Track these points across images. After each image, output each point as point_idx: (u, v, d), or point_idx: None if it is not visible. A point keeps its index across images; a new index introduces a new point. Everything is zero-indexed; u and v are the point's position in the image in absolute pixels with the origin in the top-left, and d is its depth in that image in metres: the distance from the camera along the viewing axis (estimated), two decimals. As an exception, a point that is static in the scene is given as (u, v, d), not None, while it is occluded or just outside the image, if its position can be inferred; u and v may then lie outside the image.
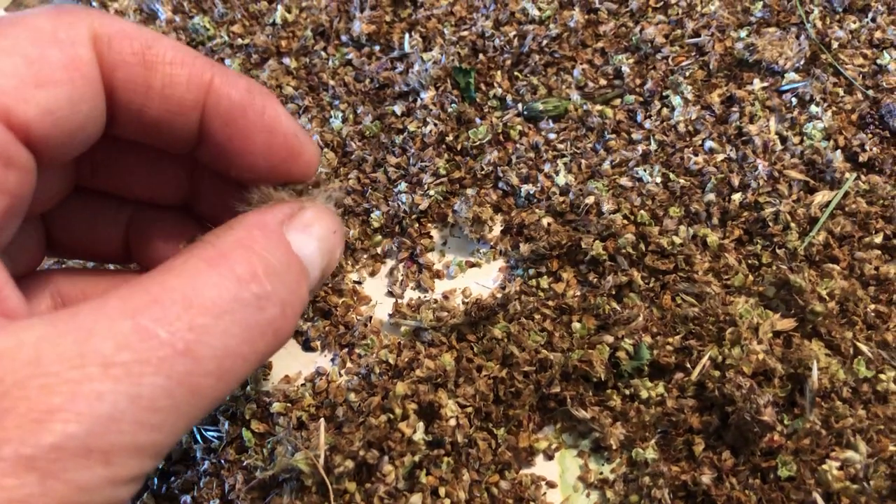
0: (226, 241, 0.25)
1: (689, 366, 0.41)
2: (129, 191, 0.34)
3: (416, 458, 0.39)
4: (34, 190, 0.26)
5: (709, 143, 0.49)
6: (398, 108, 0.52)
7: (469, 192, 0.48)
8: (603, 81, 0.53)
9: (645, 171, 0.48)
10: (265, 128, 0.29)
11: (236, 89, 0.28)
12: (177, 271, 0.24)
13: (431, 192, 0.49)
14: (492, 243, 0.48)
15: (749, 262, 0.45)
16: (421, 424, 0.39)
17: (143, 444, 0.22)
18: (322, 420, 0.40)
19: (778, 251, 0.45)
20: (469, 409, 0.40)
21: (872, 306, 0.43)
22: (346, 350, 0.45)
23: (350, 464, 0.38)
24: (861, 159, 0.47)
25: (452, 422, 0.40)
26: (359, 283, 0.48)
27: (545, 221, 0.46)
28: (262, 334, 0.25)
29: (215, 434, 0.42)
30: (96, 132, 0.27)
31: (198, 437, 0.42)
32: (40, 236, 0.33)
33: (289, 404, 0.42)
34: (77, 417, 0.20)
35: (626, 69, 0.52)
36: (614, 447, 0.40)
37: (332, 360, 0.45)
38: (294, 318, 0.26)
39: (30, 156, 0.24)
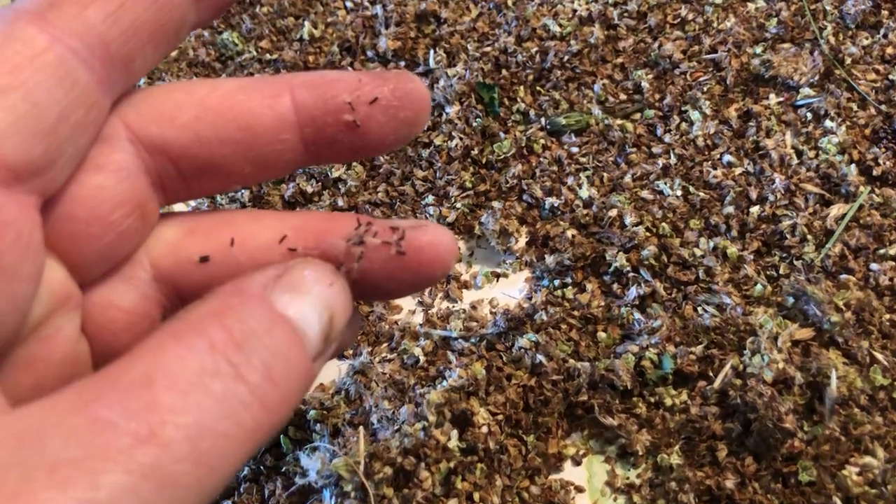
0: (196, 313, 0.22)
1: (711, 374, 0.43)
2: None
3: (452, 465, 0.40)
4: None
5: (727, 157, 0.51)
6: (424, 123, 0.54)
7: (495, 204, 0.50)
8: (623, 96, 0.54)
9: (665, 184, 0.50)
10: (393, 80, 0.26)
11: (318, 78, 0.26)
12: (138, 352, 0.21)
13: (458, 205, 0.50)
14: (518, 254, 0.49)
15: (768, 273, 0.47)
16: (455, 432, 0.41)
17: None
18: (361, 428, 0.41)
19: (795, 262, 0.46)
20: (500, 417, 0.42)
21: (887, 316, 0.44)
22: (379, 359, 0.46)
23: (388, 470, 0.39)
24: (875, 173, 0.49)
25: (485, 429, 0.41)
26: (388, 293, 0.49)
27: (569, 233, 0.48)
28: (246, 406, 0.21)
29: (255, 441, 0.43)
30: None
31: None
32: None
33: (324, 412, 0.44)
34: None
35: (645, 84, 0.54)
36: (640, 453, 0.42)
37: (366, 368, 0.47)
38: (286, 383, 0.23)
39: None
